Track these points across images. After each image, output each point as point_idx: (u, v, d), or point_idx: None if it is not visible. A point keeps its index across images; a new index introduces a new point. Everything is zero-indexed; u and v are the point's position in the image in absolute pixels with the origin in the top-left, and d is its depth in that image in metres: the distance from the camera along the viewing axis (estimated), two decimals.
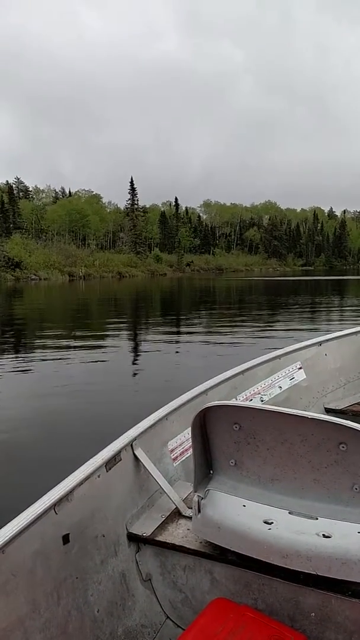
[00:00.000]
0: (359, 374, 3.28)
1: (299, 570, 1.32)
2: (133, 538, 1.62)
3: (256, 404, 2.09)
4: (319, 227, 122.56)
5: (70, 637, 1.35)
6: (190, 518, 1.56)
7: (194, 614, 1.41)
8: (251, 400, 2.53)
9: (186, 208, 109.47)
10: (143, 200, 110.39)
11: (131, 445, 1.73)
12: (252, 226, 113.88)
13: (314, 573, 1.30)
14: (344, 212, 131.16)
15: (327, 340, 3.17)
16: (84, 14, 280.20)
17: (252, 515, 1.40)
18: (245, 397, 2.50)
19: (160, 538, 1.59)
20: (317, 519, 1.35)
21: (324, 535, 1.31)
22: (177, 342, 11.04)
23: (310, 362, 3.00)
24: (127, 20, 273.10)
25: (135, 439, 1.75)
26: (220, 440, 1.48)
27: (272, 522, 1.38)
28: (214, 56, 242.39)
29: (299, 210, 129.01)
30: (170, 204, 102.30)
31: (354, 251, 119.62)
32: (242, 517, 1.41)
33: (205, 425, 1.47)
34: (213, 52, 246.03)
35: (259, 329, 12.97)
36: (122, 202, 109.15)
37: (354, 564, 1.26)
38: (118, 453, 1.64)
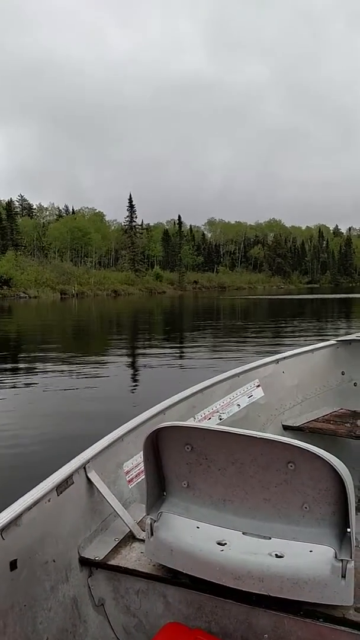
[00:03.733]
0: (316, 390, 3.31)
1: (252, 591, 1.31)
2: (85, 562, 1.58)
3: (213, 423, 2.11)
4: (324, 245, 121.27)
5: None
6: (144, 541, 1.54)
7: (147, 639, 1.40)
8: (210, 419, 2.50)
9: (190, 226, 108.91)
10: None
11: (84, 467, 1.69)
12: (257, 244, 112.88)
13: (266, 594, 1.30)
14: (350, 229, 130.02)
15: (285, 358, 3.16)
16: (109, 29, 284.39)
17: (205, 536, 1.39)
18: (203, 416, 2.47)
19: (113, 562, 1.56)
20: (270, 538, 1.35)
21: (276, 555, 1.30)
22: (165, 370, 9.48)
23: (268, 380, 2.99)
24: (153, 36, 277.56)
25: (88, 461, 1.70)
26: (173, 461, 1.47)
27: (225, 543, 1.37)
28: (240, 72, 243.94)
29: (304, 227, 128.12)
30: (174, 222, 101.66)
31: (359, 268, 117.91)
32: (195, 539, 1.40)
33: (158, 446, 1.46)
34: (239, 68, 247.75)
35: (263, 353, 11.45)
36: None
37: (305, 583, 1.26)
38: (70, 476, 1.61)
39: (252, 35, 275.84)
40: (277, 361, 3.11)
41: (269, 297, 52.13)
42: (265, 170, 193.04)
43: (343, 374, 3.44)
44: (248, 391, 2.83)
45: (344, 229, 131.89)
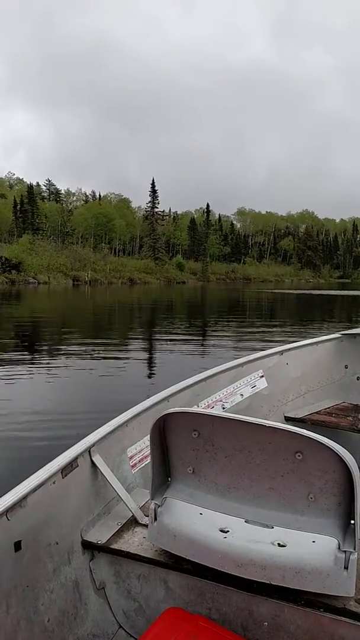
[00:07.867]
0: (319, 383, 3.30)
1: (253, 579, 1.32)
2: (87, 546, 1.59)
3: (217, 411, 2.10)
4: (358, 239, 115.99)
5: None
6: (146, 526, 1.55)
7: (147, 624, 1.39)
8: (213, 407, 2.50)
9: (219, 215, 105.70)
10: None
11: (89, 451, 1.70)
12: (287, 235, 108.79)
13: (268, 582, 1.30)
14: None
15: (289, 350, 3.16)
16: (169, 15, 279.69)
17: (209, 523, 1.40)
18: (207, 404, 2.49)
19: (115, 546, 1.56)
20: (272, 527, 1.35)
21: (278, 545, 1.31)
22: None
23: (271, 371, 2.99)
24: (215, 23, 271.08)
25: (93, 445, 1.72)
26: (179, 447, 1.46)
27: (227, 531, 1.38)
28: (303, 61, 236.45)
29: (338, 220, 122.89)
30: (202, 211, 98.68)
31: None
32: (198, 525, 1.40)
33: (165, 431, 1.46)
34: (301, 58, 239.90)
35: None
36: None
37: (307, 573, 1.27)
38: (75, 459, 1.61)
39: (317, 23, 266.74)
40: (281, 352, 3.07)
41: (295, 291, 48.96)
42: (310, 162, 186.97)
43: (346, 368, 3.42)
44: (252, 381, 2.81)
45: None
